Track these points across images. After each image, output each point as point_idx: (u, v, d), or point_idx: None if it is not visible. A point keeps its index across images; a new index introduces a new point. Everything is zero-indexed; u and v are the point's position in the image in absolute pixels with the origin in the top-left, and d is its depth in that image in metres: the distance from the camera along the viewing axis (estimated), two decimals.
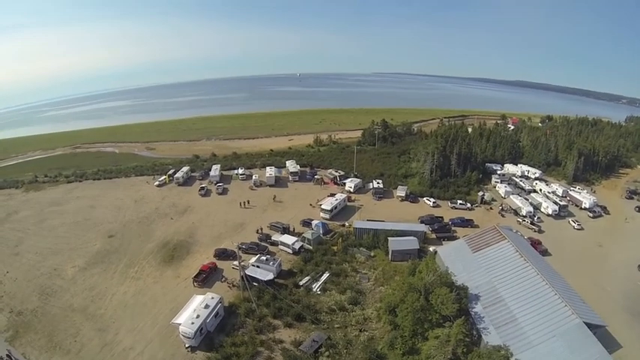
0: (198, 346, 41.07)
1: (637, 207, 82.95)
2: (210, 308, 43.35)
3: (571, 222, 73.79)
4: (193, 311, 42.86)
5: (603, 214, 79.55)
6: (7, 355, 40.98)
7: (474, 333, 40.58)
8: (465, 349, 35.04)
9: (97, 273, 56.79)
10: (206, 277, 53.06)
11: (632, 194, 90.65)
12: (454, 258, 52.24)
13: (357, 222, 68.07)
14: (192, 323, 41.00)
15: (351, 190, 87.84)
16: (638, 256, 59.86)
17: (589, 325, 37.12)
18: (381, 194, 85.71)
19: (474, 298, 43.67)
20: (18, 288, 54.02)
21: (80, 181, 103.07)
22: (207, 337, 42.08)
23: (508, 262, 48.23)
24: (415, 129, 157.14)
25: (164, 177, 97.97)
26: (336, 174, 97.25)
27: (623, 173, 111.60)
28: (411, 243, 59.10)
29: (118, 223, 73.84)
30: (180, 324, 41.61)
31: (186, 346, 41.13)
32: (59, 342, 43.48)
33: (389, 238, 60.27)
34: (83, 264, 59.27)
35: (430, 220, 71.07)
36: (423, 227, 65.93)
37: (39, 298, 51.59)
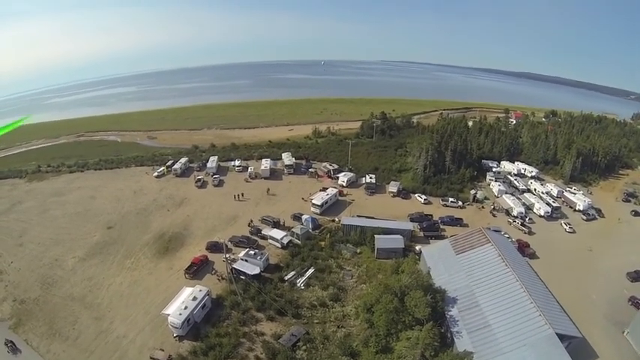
0: (185, 335, 43.28)
1: (633, 211, 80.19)
2: (198, 300, 45.40)
3: (563, 224, 72.14)
4: (182, 303, 44.94)
5: (597, 217, 77.51)
6: (10, 342, 43.64)
7: (449, 336, 40.61)
8: (432, 353, 35.98)
9: (96, 264, 59.12)
10: (197, 270, 55.02)
11: (629, 197, 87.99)
12: (437, 259, 52.77)
13: (345, 218, 69.02)
14: (180, 314, 43.18)
15: (344, 184, 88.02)
16: (627, 263, 58.34)
17: (563, 336, 36.85)
18: (373, 189, 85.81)
19: (451, 301, 43.64)
20: (21, 278, 56.54)
21: (82, 171, 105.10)
22: (194, 327, 44.27)
23: (489, 266, 47.81)
24: (415, 121, 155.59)
25: (163, 168, 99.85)
26: (330, 167, 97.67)
27: (623, 174, 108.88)
28: (397, 241, 60.07)
29: (116, 214, 76.00)
30: (169, 314, 43.76)
31: (174, 335, 43.39)
32: (59, 329, 46.12)
33: (375, 235, 61.17)
34: (83, 255, 61.65)
35: (419, 218, 71.62)
36: (410, 225, 66.79)
37: (41, 287, 54.12)
